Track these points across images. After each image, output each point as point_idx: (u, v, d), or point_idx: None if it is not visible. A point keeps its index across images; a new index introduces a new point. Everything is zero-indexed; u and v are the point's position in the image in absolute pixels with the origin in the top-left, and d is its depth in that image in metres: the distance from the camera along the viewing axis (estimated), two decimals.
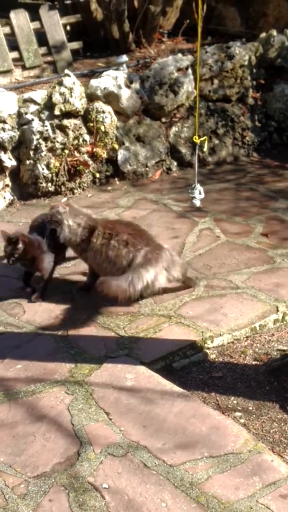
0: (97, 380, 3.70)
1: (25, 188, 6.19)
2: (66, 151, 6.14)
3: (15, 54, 6.94)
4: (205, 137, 4.57)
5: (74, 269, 4.93)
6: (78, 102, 6.15)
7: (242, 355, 4.04)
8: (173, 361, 3.93)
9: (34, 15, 7.10)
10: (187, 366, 3.95)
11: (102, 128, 6.26)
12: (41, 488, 3.01)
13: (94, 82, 6.37)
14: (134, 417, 3.41)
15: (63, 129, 6.14)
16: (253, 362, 3.98)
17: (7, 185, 6.13)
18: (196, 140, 4.43)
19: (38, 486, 3.03)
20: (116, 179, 6.47)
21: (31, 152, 6.06)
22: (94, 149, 6.26)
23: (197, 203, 4.54)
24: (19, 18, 6.92)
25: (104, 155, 6.33)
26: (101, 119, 6.26)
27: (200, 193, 4.51)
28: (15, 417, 3.46)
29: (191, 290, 4.58)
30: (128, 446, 3.22)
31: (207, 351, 4.05)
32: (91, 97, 6.32)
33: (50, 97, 6.11)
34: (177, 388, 3.61)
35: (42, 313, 4.43)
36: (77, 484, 3.02)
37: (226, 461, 3.09)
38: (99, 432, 3.32)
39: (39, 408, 3.51)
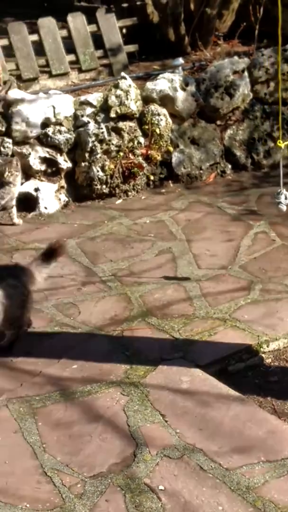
0: (152, 382, 3.70)
1: (80, 190, 6.23)
2: (121, 154, 6.17)
3: (71, 57, 7.00)
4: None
5: (128, 270, 4.95)
6: (134, 105, 6.18)
7: None
8: (228, 365, 3.92)
9: (90, 18, 7.15)
10: (243, 370, 3.94)
11: (157, 130, 6.27)
12: (98, 488, 3.03)
13: (149, 84, 6.39)
14: (189, 419, 3.41)
15: (118, 131, 6.16)
16: None
17: (62, 187, 6.18)
18: (280, 144, 4.42)
19: (95, 486, 3.04)
20: (170, 181, 6.48)
21: (87, 154, 6.10)
22: (149, 152, 6.28)
23: (284, 208, 4.50)
24: (76, 21, 6.98)
25: (159, 158, 6.35)
26: (156, 122, 6.27)
27: (286, 198, 4.48)
28: (72, 417, 3.48)
29: (246, 293, 4.57)
30: (184, 448, 3.22)
31: (263, 355, 4.03)
32: (146, 100, 6.34)
33: (106, 99, 6.15)
34: (232, 392, 3.60)
35: (97, 314, 4.45)
36: (133, 485, 3.03)
37: (283, 466, 3.07)
38: (155, 433, 3.32)
39: (95, 409, 3.53)
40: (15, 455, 3.25)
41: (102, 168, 6.13)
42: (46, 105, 6.04)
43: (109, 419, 3.44)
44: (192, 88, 6.48)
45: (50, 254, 4.13)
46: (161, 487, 3.00)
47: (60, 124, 6.08)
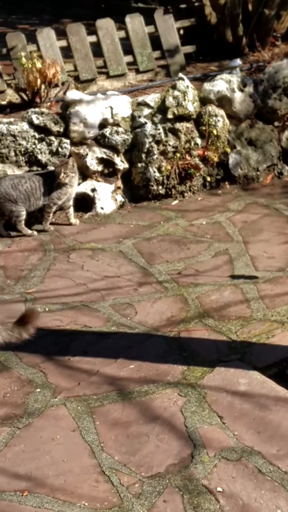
0: (210, 383, 3.70)
1: (136, 190, 6.25)
2: (178, 154, 6.17)
3: (129, 58, 7.01)
4: None
5: (185, 271, 4.95)
6: (191, 106, 6.17)
7: None
8: (286, 367, 3.88)
9: (147, 19, 7.16)
10: None
11: (214, 131, 6.26)
12: (156, 489, 3.03)
13: (207, 85, 6.38)
14: (247, 422, 3.40)
15: (175, 132, 6.16)
16: None
17: (119, 188, 6.20)
18: None
19: (153, 486, 3.05)
20: (226, 183, 6.45)
21: (143, 155, 6.12)
22: (206, 153, 6.26)
23: None
24: (134, 23, 6.99)
25: (216, 159, 6.33)
26: (213, 123, 6.26)
27: None
28: (129, 417, 3.50)
29: None
30: (242, 451, 3.21)
31: None
32: (204, 101, 6.32)
33: (163, 100, 6.15)
34: None
35: (153, 314, 4.46)
36: (191, 486, 3.03)
37: None
38: (213, 435, 3.32)
39: (152, 409, 3.54)
40: (73, 454, 3.28)
41: (159, 169, 6.14)
42: (104, 106, 6.06)
43: (167, 420, 3.45)
44: (250, 89, 6.45)
45: (21, 323, 3.95)
46: (219, 489, 2.99)
47: (118, 125, 6.10)
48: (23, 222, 5.67)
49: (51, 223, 5.82)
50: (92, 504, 2.97)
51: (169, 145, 6.14)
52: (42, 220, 5.78)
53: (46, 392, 3.74)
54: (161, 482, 3.06)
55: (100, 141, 6.07)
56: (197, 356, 3.95)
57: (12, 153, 5.85)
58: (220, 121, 6.29)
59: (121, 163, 6.14)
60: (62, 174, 5.60)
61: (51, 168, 5.81)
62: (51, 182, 5.67)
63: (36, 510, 2.97)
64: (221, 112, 6.33)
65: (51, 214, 5.75)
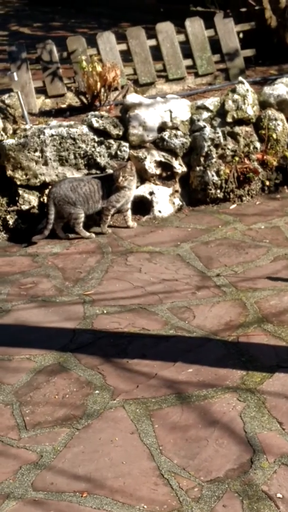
0: (269, 389, 3.67)
1: (194, 194, 6.24)
2: (236, 158, 6.15)
3: (188, 62, 7.02)
4: None
5: (243, 275, 4.93)
6: (251, 110, 6.15)
7: None
8: None
9: (207, 23, 7.15)
10: None
11: (274, 135, 6.22)
12: (215, 493, 3.02)
13: (267, 89, 6.34)
14: None
15: (234, 136, 6.15)
16: None
17: (176, 191, 6.20)
18: None
19: (212, 490, 3.04)
20: (285, 187, 6.40)
21: (202, 159, 6.11)
22: (265, 157, 6.23)
23: None
24: (194, 26, 6.99)
25: (275, 163, 6.28)
26: (273, 127, 6.22)
27: None
28: (188, 421, 3.49)
29: None
30: None
31: None
32: (263, 105, 6.29)
33: (222, 104, 6.14)
34: None
35: (212, 318, 4.45)
36: (250, 491, 3.01)
37: None
38: (272, 441, 3.29)
39: (211, 413, 3.53)
40: (132, 456, 3.29)
41: (217, 173, 6.13)
42: (163, 109, 6.08)
43: (226, 425, 3.43)
44: None
45: None
46: (279, 495, 2.97)
47: (177, 129, 6.10)
48: (81, 224, 5.71)
49: (109, 226, 5.85)
50: (151, 507, 2.98)
51: (228, 148, 6.12)
52: (100, 222, 5.82)
53: (104, 394, 3.76)
54: (221, 487, 3.05)
55: (159, 144, 6.09)
56: (256, 361, 3.93)
57: (72, 156, 5.89)
58: (280, 125, 6.25)
59: (179, 167, 6.14)
60: (121, 178, 5.63)
61: (110, 171, 5.84)
62: (110, 185, 5.70)
63: (95, 511, 2.98)
64: (281, 116, 6.28)
65: (109, 217, 5.79)
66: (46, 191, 5.87)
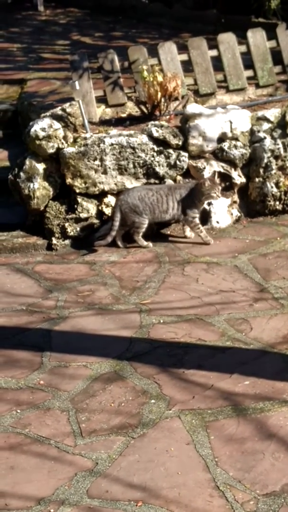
0: None
1: (253, 205, 6.22)
2: None
3: (249, 73, 6.98)
4: None
5: None
6: None
7: None
8: None
9: (268, 34, 7.11)
10: None
11: None
12: (271, 507, 3.00)
13: None
14: None
15: None
16: None
17: (235, 202, 6.18)
18: None
19: (268, 504, 3.01)
20: None
21: (261, 170, 6.09)
22: None
23: None
24: (256, 37, 6.96)
25: None
26: None
27: None
28: (244, 433, 3.47)
29: None
30: None
31: None
32: None
33: (283, 115, 6.11)
34: None
35: (269, 331, 4.41)
36: None
37: None
38: None
39: (268, 427, 3.50)
40: (187, 467, 3.28)
41: (276, 184, 6.09)
42: (223, 120, 6.07)
43: (283, 439, 3.41)
44: None
45: None
46: None
47: (236, 139, 6.09)
48: (141, 233, 5.72)
49: (166, 235, 5.86)
50: None
51: None
52: (198, 235, 5.81)
53: (160, 404, 3.76)
54: (277, 501, 3.03)
55: (218, 155, 6.07)
56: None
57: (131, 165, 5.91)
58: None
59: (238, 178, 6.12)
60: (217, 191, 5.66)
61: (170, 181, 5.86)
62: (183, 197, 5.69)
63: None
64: None
65: (199, 226, 5.78)
66: (105, 200, 5.90)
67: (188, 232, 5.88)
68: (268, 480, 3.15)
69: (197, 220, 5.76)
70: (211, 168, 6.03)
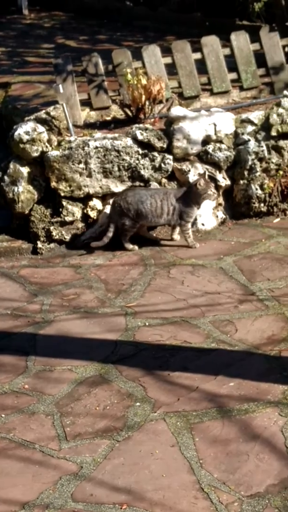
0: None
1: (238, 207, 6.23)
2: (281, 172, 6.12)
3: (233, 75, 7.00)
4: None
5: (286, 289, 4.89)
6: None
7: None
8: None
9: (252, 37, 7.13)
10: None
11: None
12: (255, 508, 3.00)
13: None
14: None
15: (278, 150, 6.12)
16: None
17: (220, 204, 6.19)
18: None
19: (252, 506, 3.02)
20: None
21: (246, 172, 6.10)
22: None
23: None
24: (239, 40, 6.98)
25: None
26: None
27: None
28: (229, 435, 3.48)
29: None
30: None
31: None
32: None
33: (267, 118, 6.13)
34: None
35: (254, 332, 4.42)
36: None
37: None
38: None
39: (252, 428, 3.51)
40: (172, 469, 3.28)
41: (261, 187, 6.11)
42: (207, 122, 6.08)
43: (267, 440, 3.41)
44: None
45: None
46: None
47: (221, 142, 6.10)
48: (129, 236, 5.72)
49: (151, 239, 5.86)
50: None
51: (272, 162, 6.10)
52: (185, 238, 5.80)
53: (145, 406, 3.76)
54: (261, 502, 3.03)
55: (203, 157, 6.08)
56: None
57: (116, 168, 5.91)
58: None
59: (223, 180, 6.13)
60: (211, 191, 5.70)
61: (155, 184, 5.88)
62: (179, 201, 5.69)
63: None
64: None
65: (190, 231, 5.77)
66: (91, 203, 5.91)
67: (176, 235, 5.88)
68: (253, 481, 3.15)
69: (189, 225, 5.77)
70: (195, 171, 6.03)
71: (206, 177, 5.73)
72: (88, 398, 3.88)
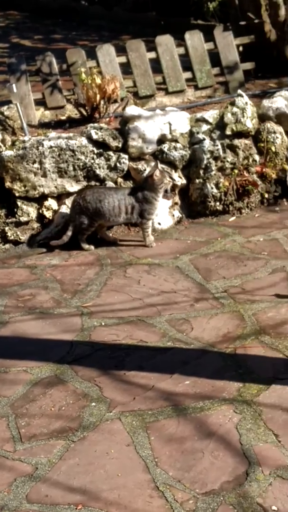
0: (265, 401, 3.66)
1: (194, 206, 6.25)
2: (236, 171, 6.15)
3: (188, 75, 7.03)
4: None
5: (241, 287, 4.92)
6: (250, 122, 6.16)
7: None
8: None
9: (207, 36, 7.17)
10: None
11: (273, 148, 6.22)
12: (210, 506, 3.01)
13: (266, 102, 6.36)
14: None
15: (233, 149, 6.16)
16: None
17: (176, 203, 6.21)
18: None
19: (207, 503, 3.03)
20: (284, 200, 6.40)
21: (201, 171, 6.12)
22: (264, 169, 6.23)
23: None
24: (194, 39, 7.01)
25: (274, 176, 6.29)
26: (271, 140, 6.22)
27: None
28: (184, 433, 3.48)
29: None
30: None
31: None
32: (262, 118, 6.30)
33: (222, 117, 6.16)
34: None
35: (210, 330, 4.44)
36: (245, 504, 3.00)
37: None
38: (268, 453, 3.28)
39: (208, 425, 3.52)
40: (128, 468, 3.27)
41: (216, 185, 6.13)
42: (162, 121, 6.09)
43: (222, 437, 3.42)
44: None
45: None
46: (274, 508, 2.96)
47: (176, 141, 6.12)
48: (86, 235, 5.71)
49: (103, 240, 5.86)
50: None
51: (227, 161, 6.13)
52: (143, 237, 5.80)
53: (101, 406, 3.75)
54: (216, 499, 3.04)
55: (158, 156, 6.09)
56: (253, 373, 3.92)
57: (71, 168, 5.89)
58: (279, 138, 6.26)
59: (178, 179, 6.15)
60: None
61: (110, 183, 5.87)
62: (138, 199, 5.68)
63: None
64: (280, 129, 6.29)
65: (149, 230, 5.77)
66: (46, 203, 5.88)
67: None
68: (208, 478, 3.16)
69: (150, 223, 5.76)
70: None
71: (159, 167, 5.72)
72: (44, 399, 3.86)
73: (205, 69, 7.04)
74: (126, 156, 6.01)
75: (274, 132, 6.25)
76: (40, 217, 5.91)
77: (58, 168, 5.88)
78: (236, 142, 6.16)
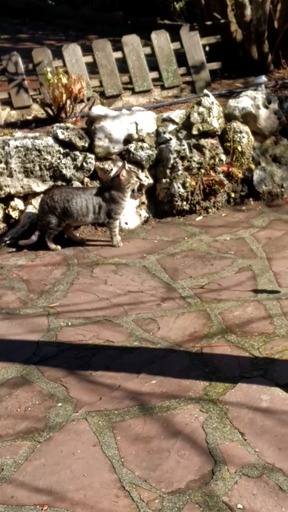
0: (231, 399, 3.68)
1: (161, 206, 6.25)
2: (202, 170, 6.17)
3: (154, 74, 7.04)
4: None
5: (208, 287, 4.94)
6: (216, 122, 6.18)
7: None
8: None
9: (173, 36, 7.18)
10: None
11: (239, 148, 6.25)
12: (176, 505, 3.01)
13: (232, 102, 6.39)
14: (269, 438, 3.37)
15: (200, 148, 6.17)
16: None
17: (143, 203, 6.21)
18: None
19: (173, 502, 3.03)
20: (251, 199, 6.44)
21: (168, 171, 6.13)
22: (230, 169, 6.26)
23: None
24: (160, 39, 7.02)
25: (240, 175, 6.32)
26: (238, 139, 6.25)
27: None
28: (150, 432, 3.48)
29: None
30: (263, 467, 3.18)
31: None
32: (228, 117, 6.33)
33: (188, 116, 6.17)
34: None
35: (176, 330, 4.45)
36: (211, 502, 3.01)
37: None
38: (234, 451, 3.30)
39: (174, 424, 3.52)
40: (94, 468, 3.27)
41: (183, 185, 6.15)
42: (129, 121, 6.09)
43: (188, 436, 3.43)
44: (274, 106, 6.45)
45: None
46: (239, 506, 2.97)
47: (142, 141, 6.12)
48: (53, 235, 5.69)
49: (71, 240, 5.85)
50: None
51: (194, 161, 6.14)
52: (110, 237, 5.80)
53: (67, 407, 3.74)
54: (181, 498, 3.05)
55: (125, 156, 6.09)
56: (219, 372, 3.94)
57: (37, 168, 5.87)
58: (245, 137, 6.29)
59: (145, 179, 6.16)
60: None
61: (77, 183, 5.86)
62: (105, 199, 5.67)
63: None
64: (246, 128, 6.33)
65: (117, 229, 5.77)
66: (12, 203, 5.86)
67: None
68: (173, 477, 3.17)
69: (117, 223, 5.76)
70: None
71: (126, 167, 5.72)
72: (9, 399, 3.84)
73: (171, 69, 7.05)
74: (93, 156, 6.01)
75: (240, 132, 6.28)
76: (6, 217, 5.89)
77: (24, 168, 5.85)
78: (203, 141, 6.18)
